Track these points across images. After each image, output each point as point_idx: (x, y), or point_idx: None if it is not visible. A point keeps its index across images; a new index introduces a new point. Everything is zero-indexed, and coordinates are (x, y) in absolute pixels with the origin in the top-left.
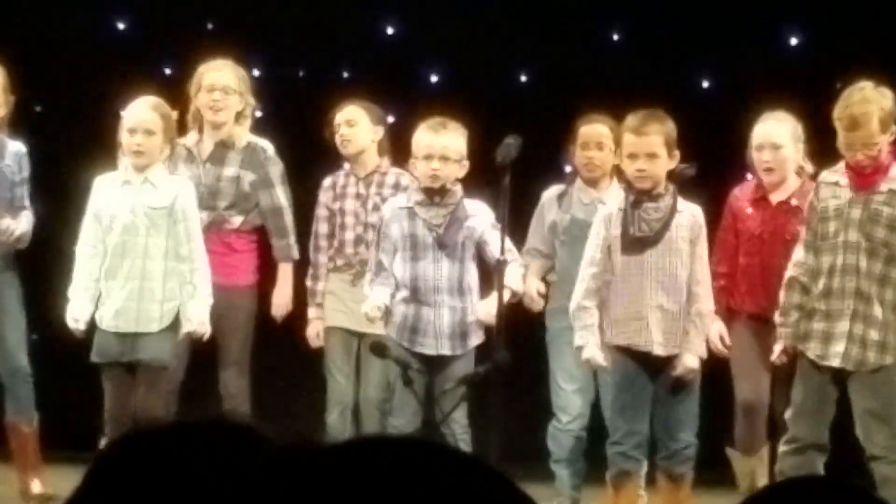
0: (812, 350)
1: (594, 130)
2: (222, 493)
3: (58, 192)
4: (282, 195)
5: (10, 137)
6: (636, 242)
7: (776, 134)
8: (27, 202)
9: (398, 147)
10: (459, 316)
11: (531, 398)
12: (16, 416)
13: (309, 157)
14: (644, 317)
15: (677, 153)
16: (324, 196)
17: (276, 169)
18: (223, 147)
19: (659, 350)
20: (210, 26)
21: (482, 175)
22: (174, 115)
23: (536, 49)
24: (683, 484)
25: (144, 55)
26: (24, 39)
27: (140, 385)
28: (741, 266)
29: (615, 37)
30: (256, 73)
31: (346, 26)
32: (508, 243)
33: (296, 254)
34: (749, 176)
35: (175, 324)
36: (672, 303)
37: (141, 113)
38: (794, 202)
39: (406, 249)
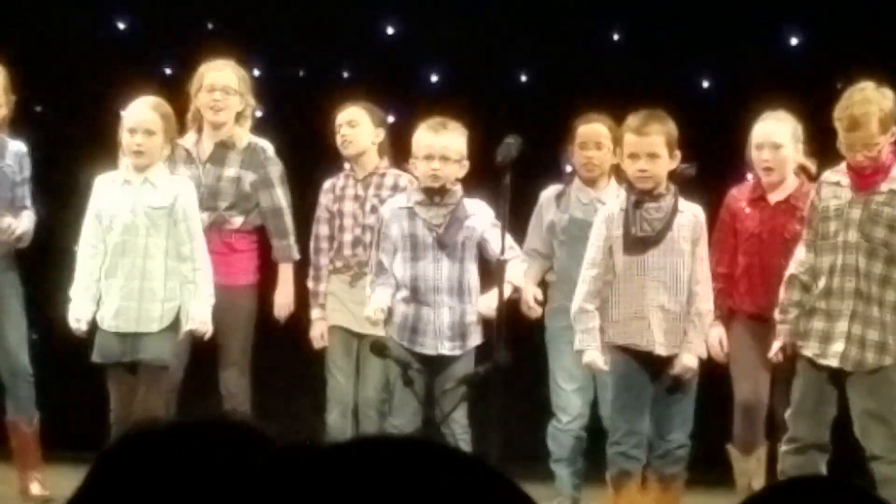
0: (811, 349)
1: (593, 130)
2: (223, 493)
3: (58, 191)
4: (281, 196)
5: (11, 137)
6: (638, 242)
7: (776, 133)
8: (29, 202)
9: (398, 147)
10: (459, 316)
11: (531, 398)
12: (16, 415)
13: (309, 157)
14: (645, 317)
15: (678, 153)
16: (324, 198)
17: (276, 169)
18: (223, 147)
19: (661, 350)
20: (210, 26)
21: (482, 175)
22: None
23: (536, 49)
24: (674, 485)
25: (145, 55)
26: (25, 39)
27: (140, 385)
28: (740, 266)
29: (615, 37)
30: (257, 72)
31: (346, 26)
32: (509, 240)
33: (296, 254)
34: (749, 176)
35: (175, 323)
36: (673, 303)
37: (141, 113)
38: (792, 202)
39: (406, 249)
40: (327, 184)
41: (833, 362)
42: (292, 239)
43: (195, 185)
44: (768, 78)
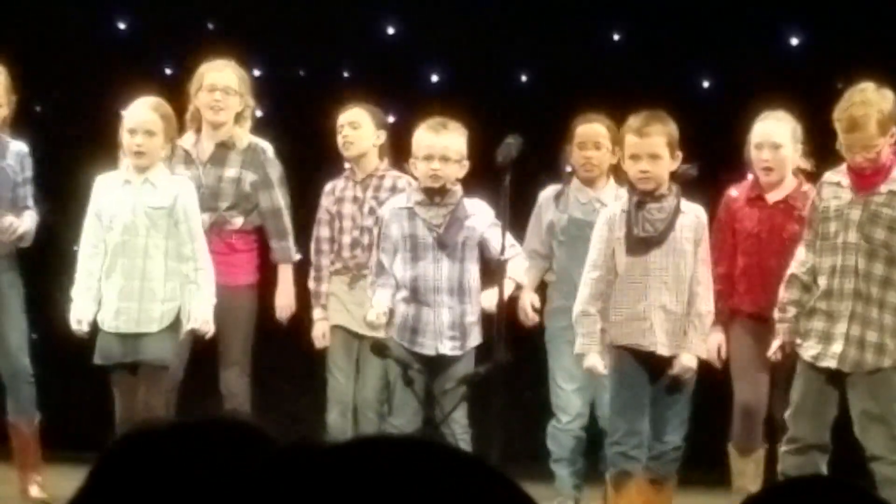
0: (811, 350)
1: (591, 130)
2: (224, 493)
3: (58, 191)
4: (281, 197)
5: (12, 137)
6: (640, 243)
7: (776, 133)
8: (31, 202)
9: (398, 147)
10: (459, 316)
11: (532, 398)
12: (17, 416)
13: (309, 157)
14: (647, 317)
15: (680, 154)
16: (325, 200)
17: (276, 170)
18: (224, 148)
19: (663, 350)
20: (211, 26)
21: (483, 175)
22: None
23: (537, 49)
24: (667, 486)
25: (145, 55)
26: (25, 39)
27: (141, 384)
28: (739, 266)
29: (616, 37)
30: (257, 72)
31: (346, 26)
32: (510, 239)
33: (295, 255)
34: (750, 176)
35: (176, 323)
36: (675, 303)
37: (141, 113)
38: (790, 202)
39: (406, 250)
40: (328, 186)
41: (832, 363)
42: (291, 240)
43: (195, 185)
44: (769, 78)
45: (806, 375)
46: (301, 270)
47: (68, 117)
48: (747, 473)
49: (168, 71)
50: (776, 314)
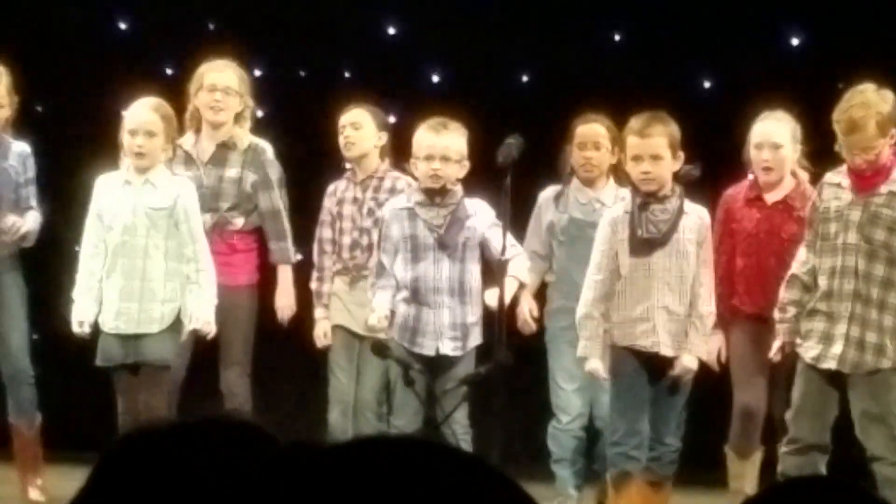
0: (812, 351)
1: (591, 130)
2: (225, 492)
3: (58, 191)
4: (279, 198)
5: (15, 138)
6: (644, 244)
7: (776, 133)
8: (34, 202)
9: (399, 147)
10: (460, 317)
11: (532, 398)
12: (17, 418)
13: (310, 157)
14: (650, 318)
15: (682, 154)
16: (327, 201)
17: (275, 171)
18: (225, 148)
19: (666, 351)
20: (211, 26)
21: (483, 175)
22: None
23: (538, 49)
24: (665, 487)
25: (146, 55)
26: (26, 39)
27: (142, 385)
28: (738, 267)
29: (617, 37)
30: (258, 73)
31: (347, 26)
32: (510, 238)
33: (293, 256)
34: (750, 176)
35: (176, 323)
36: (678, 304)
37: (141, 114)
38: (789, 202)
39: (407, 250)
40: (330, 187)
41: (832, 365)
42: (289, 241)
43: (196, 186)
44: (769, 78)
45: (806, 376)
46: (302, 271)
47: (69, 117)
48: (745, 475)
49: (169, 71)
50: (776, 314)
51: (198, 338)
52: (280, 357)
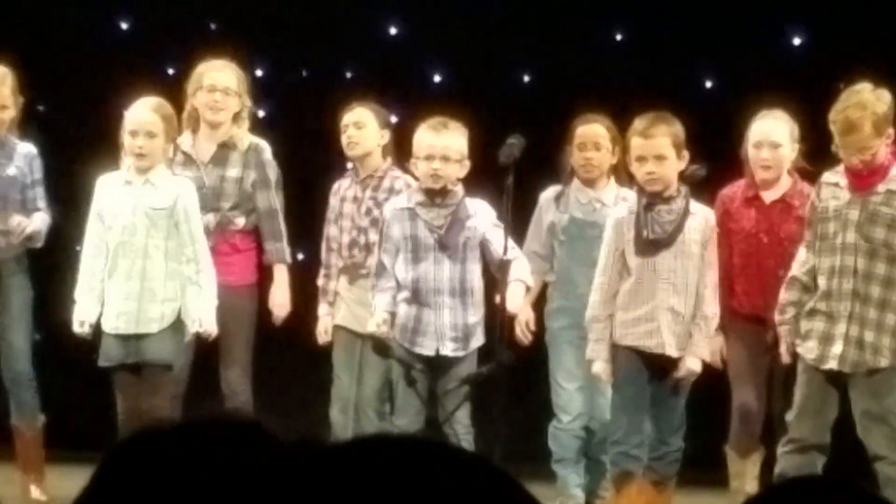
0: (812, 351)
1: (591, 131)
2: (227, 492)
3: (60, 192)
4: (276, 198)
5: (20, 139)
6: (650, 245)
7: (776, 133)
8: (42, 203)
9: (400, 147)
10: (461, 317)
11: (534, 398)
12: (19, 419)
13: (311, 156)
14: (655, 319)
15: (686, 154)
16: (332, 199)
17: (273, 171)
18: (225, 148)
19: (671, 351)
20: (213, 26)
21: (484, 175)
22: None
23: (539, 49)
24: (668, 486)
25: (147, 55)
26: (27, 39)
27: (145, 385)
28: (737, 266)
29: (618, 37)
30: (259, 73)
31: (348, 26)
32: (510, 241)
33: (289, 257)
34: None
35: (177, 323)
36: (683, 305)
37: (142, 115)
38: (787, 200)
39: (407, 251)
40: (335, 185)
41: (833, 365)
42: (285, 241)
43: (196, 186)
44: (771, 78)
45: (807, 376)
46: (305, 269)
47: (70, 117)
48: (745, 475)
49: (170, 71)
50: (777, 316)
51: (200, 339)
52: (280, 356)
